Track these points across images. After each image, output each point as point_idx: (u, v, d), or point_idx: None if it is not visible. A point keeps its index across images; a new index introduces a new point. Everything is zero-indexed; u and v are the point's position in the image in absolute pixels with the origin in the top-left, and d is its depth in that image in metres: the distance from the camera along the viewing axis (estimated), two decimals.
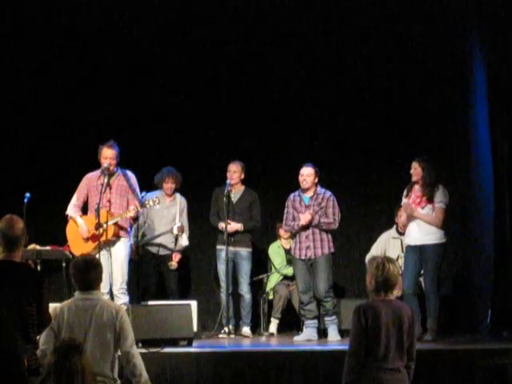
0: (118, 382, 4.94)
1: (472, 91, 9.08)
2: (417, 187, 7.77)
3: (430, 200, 7.66)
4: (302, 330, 8.37)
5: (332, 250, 8.05)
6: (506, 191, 8.70)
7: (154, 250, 8.69)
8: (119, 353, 5.02)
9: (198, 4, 9.31)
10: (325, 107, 9.46)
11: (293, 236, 8.28)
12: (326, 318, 7.98)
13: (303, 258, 8.01)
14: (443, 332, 7.80)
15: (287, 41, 9.39)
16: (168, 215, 8.67)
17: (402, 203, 7.87)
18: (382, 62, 9.28)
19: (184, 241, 8.63)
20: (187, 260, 9.25)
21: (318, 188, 8.11)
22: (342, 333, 7.99)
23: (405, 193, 7.87)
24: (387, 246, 8.69)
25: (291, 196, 8.20)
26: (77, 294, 5.02)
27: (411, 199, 7.76)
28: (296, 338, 8.01)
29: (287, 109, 9.49)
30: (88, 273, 4.95)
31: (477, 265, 8.91)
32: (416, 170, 7.74)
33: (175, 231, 8.55)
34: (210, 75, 9.43)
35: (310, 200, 8.05)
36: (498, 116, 8.75)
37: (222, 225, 8.50)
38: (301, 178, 8.07)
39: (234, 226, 8.49)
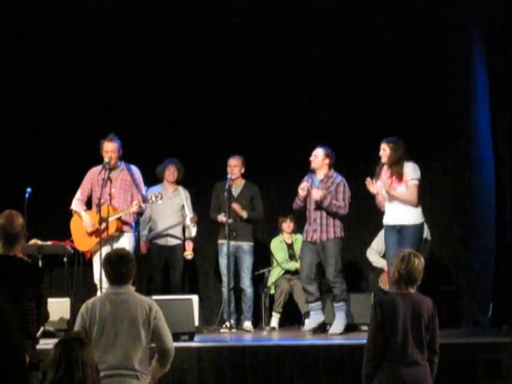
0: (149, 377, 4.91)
1: (473, 90, 9.06)
2: (385, 168, 7.68)
3: (400, 178, 7.54)
4: (303, 324, 8.37)
5: (340, 234, 7.95)
6: (508, 188, 8.70)
7: (161, 241, 8.68)
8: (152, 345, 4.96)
9: (199, 4, 9.30)
10: (326, 100, 9.47)
11: (299, 214, 8.18)
12: (334, 304, 7.94)
13: (310, 240, 7.96)
14: (445, 326, 7.78)
15: (286, 37, 9.38)
16: (172, 206, 8.69)
17: (377, 186, 7.76)
18: (382, 61, 9.26)
19: (193, 232, 8.63)
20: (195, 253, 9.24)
21: (331, 172, 8.05)
22: (353, 327, 7.99)
23: (376, 174, 7.75)
24: None
25: (305, 178, 8.12)
26: (108, 288, 4.98)
27: (382, 180, 7.66)
28: (305, 328, 8.01)
29: (288, 102, 9.49)
30: (119, 267, 4.89)
31: (478, 260, 8.90)
32: (385, 152, 7.62)
33: (188, 222, 8.56)
34: (210, 71, 9.43)
35: (321, 183, 7.98)
36: (500, 114, 8.74)
37: (220, 217, 8.51)
38: (310, 158, 8.05)
39: (237, 208, 8.46)
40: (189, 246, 8.66)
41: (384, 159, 7.64)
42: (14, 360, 3.69)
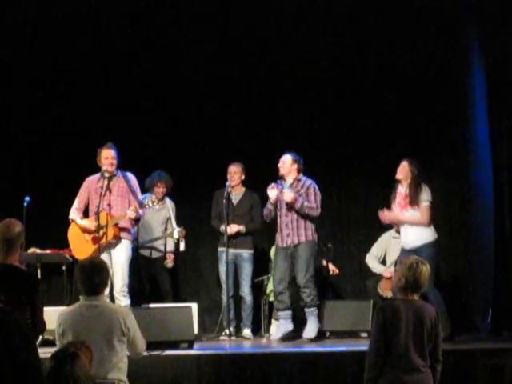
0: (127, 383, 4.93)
1: (471, 91, 9.07)
2: (400, 188, 7.77)
3: (414, 201, 7.64)
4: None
5: (312, 237, 7.98)
6: (506, 191, 8.71)
7: (146, 253, 8.79)
8: (128, 353, 5.02)
9: (199, 6, 9.30)
10: (325, 107, 9.47)
11: (271, 220, 8.18)
12: (306, 309, 7.95)
13: (284, 245, 7.99)
14: (449, 335, 7.77)
15: (287, 43, 9.37)
16: (158, 218, 8.79)
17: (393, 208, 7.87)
18: (380, 62, 9.27)
19: (181, 246, 8.65)
20: (183, 261, 9.26)
21: (300, 175, 8.11)
22: (353, 334, 7.99)
23: (393, 195, 7.87)
24: (388, 245, 8.69)
25: (272, 184, 8.18)
26: (82, 298, 4.94)
27: (397, 202, 7.76)
28: (273, 337, 8.05)
29: (288, 110, 9.49)
30: (94, 277, 4.86)
31: (477, 264, 8.89)
32: (404, 169, 7.72)
33: (176, 235, 8.59)
34: (209, 78, 9.42)
35: (290, 187, 8.02)
36: (498, 116, 8.75)
37: (223, 227, 8.50)
38: (278, 165, 8.11)
39: (235, 228, 8.50)
40: (170, 256, 8.78)
41: (400, 176, 7.72)
42: (23, 376, 3.66)
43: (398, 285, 4.81)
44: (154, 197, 8.16)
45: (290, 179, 8.08)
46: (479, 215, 8.92)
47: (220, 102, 9.43)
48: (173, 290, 8.91)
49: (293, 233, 7.95)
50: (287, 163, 8.08)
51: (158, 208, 8.71)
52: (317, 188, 8.06)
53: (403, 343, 4.63)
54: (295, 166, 8.08)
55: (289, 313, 7.97)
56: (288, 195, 7.87)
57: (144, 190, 8.66)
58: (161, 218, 8.81)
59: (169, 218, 8.79)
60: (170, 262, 8.76)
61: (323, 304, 8.26)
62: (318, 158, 9.31)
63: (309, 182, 8.09)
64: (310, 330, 7.89)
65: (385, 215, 7.80)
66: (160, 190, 8.74)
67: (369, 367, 4.68)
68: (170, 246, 8.81)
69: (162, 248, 8.82)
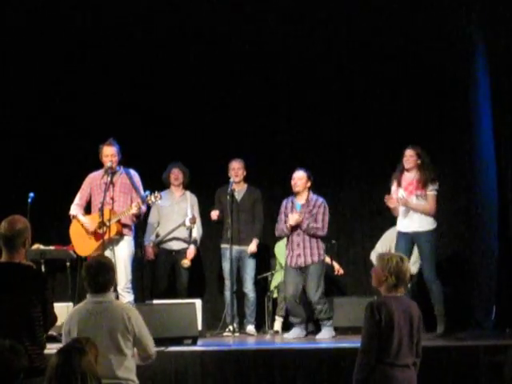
0: (137, 383, 4.89)
1: (475, 90, 9.05)
2: (408, 175, 7.80)
3: (421, 185, 7.69)
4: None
5: (323, 257, 8.07)
6: (510, 189, 8.70)
7: (167, 246, 8.66)
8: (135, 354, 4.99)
9: (199, 5, 9.30)
10: (327, 104, 9.47)
11: (286, 238, 8.22)
12: (321, 322, 8.07)
13: (294, 265, 8.04)
14: (448, 328, 7.78)
15: (288, 40, 9.38)
16: (180, 210, 8.67)
17: (392, 192, 7.88)
18: (384, 62, 9.26)
19: (194, 233, 8.62)
20: (198, 258, 9.20)
21: (311, 194, 8.13)
22: (356, 330, 8.00)
23: (394, 182, 7.88)
24: (392, 242, 8.65)
25: (284, 202, 8.23)
26: (88, 296, 4.93)
27: (402, 187, 7.77)
28: (286, 336, 8.08)
29: (290, 107, 9.49)
30: (100, 276, 4.85)
31: (481, 261, 8.89)
32: (412, 158, 7.75)
33: (187, 223, 8.52)
34: (209, 77, 9.43)
35: (302, 207, 8.08)
36: (501, 115, 8.74)
37: (213, 215, 8.57)
38: (292, 182, 8.13)
39: (254, 244, 8.56)
40: (189, 252, 8.63)
41: (409, 165, 7.74)
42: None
43: (383, 282, 4.77)
44: (156, 192, 8.12)
45: (302, 198, 8.11)
46: (483, 213, 8.92)
47: (220, 102, 9.43)
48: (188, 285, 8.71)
49: (304, 253, 8.00)
50: (303, 180, 8.09)
51: (178, 200, 8.69)
52: (327, 208, 8.08)
53: (397, 341, 4.62)
54: (309, 183, 8.11)
55: (304, 324, 8.09)
56: (292, 219, 7.93)
57: (162, 187, 8.64)
58: (182, 210, 8.65)
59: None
60: (185, 263, 8.55)
61: (328, 301, 8.29)
62: (321, 154, 9.32)
63: (320, 200, 8.11)
64: (325, 334, 7.98)
65: (391, 200, 7.77)
66: (175, 174, 8.70)
67: (360, 366, 4.64)
68: (193, 237, 8.68)
69: (185, 239, 8.65)
